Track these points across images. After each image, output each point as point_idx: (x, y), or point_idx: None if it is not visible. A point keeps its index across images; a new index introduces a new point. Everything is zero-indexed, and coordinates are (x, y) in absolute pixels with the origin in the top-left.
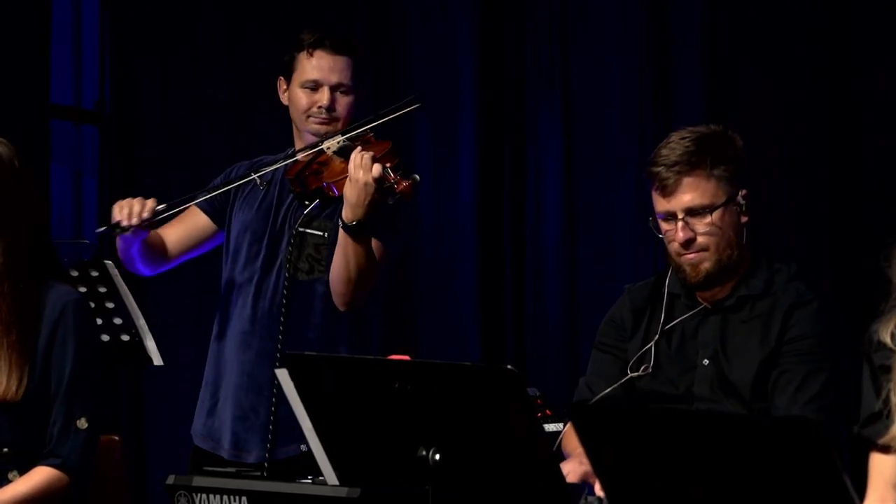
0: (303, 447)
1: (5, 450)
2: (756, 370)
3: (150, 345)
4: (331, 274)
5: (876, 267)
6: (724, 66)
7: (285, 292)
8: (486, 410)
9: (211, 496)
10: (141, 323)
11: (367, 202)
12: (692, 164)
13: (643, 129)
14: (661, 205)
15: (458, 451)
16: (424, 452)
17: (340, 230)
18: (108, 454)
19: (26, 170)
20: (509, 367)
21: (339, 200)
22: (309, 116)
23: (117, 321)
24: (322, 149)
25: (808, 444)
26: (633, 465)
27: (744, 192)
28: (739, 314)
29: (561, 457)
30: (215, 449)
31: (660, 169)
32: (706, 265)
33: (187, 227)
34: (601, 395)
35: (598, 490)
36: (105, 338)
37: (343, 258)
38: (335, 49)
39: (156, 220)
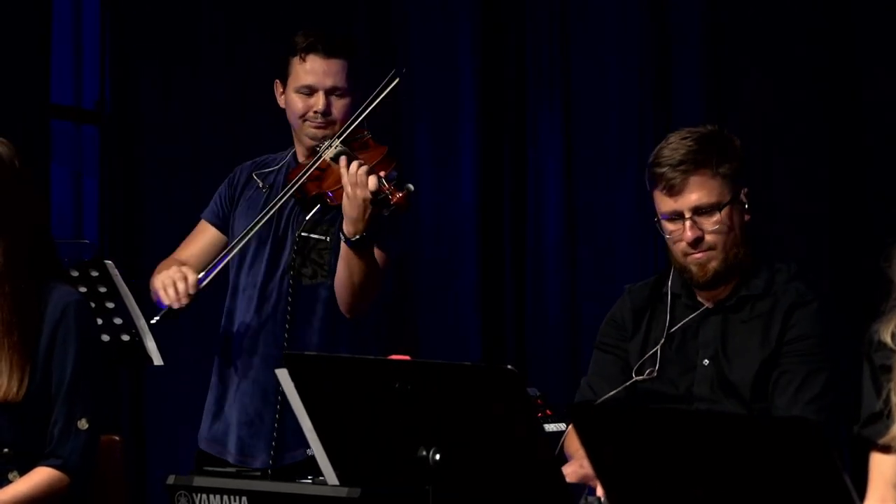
0: (308, 451)
1: (6, 450)
2: (756, 370)
3: (151, 345)
4: (335, 284)
5: (876, 267)
6: (724, 66)
7: (289, 297)
8: (486, 410)
9: (211, 496)
10: (141, 323)
11: (366, 216)
12: (698, 162)
13: (643, 129)
14: (666, 205)
15: (458, 451)
16: (424, 452)
17: (343, 244)
18: (109, 454)
19: (27, 170)
20: (509, 367)
21: (339, 207)
22: (305, 121)
23: (117, 321)
24: (320, 156)
25: (809, 444)
26: (634, 466)
27: (745, 190)
28: (740, 314)
29: (563, 458)
30: (221, 453)
31: (664, 169)
32: (714, 264)
33: (202, 246)
34: (605, 397)
35: (599, 491)
36: (105, 338)
37: (347, 270)
38: (328, 52)
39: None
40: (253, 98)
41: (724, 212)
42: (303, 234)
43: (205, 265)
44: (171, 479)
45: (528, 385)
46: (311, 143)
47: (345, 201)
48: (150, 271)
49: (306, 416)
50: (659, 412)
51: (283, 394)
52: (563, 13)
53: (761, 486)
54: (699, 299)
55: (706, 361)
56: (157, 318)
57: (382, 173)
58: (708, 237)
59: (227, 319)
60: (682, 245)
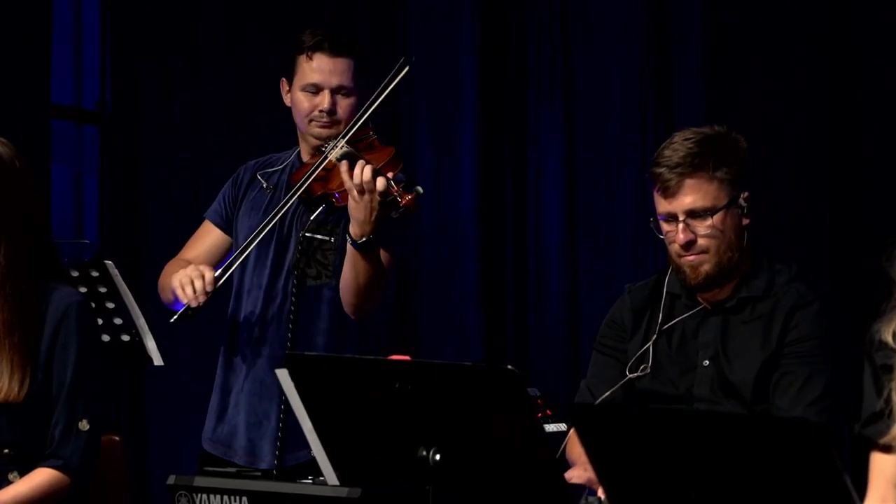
0: (312, 452)
1: (6, 451)
2: (757, 371)
3: (151, 345)
4: (341, 285)
5: (876, 267)
6: (724, 66)
7: (293, 298)
8: (486, 410)
9: (211, 496)
10: (141, 323)
11: (373, 218)
12: (694, 165)
13: (643, 129)
14: (662, 206)
15: (459, 451)
16: (424, 452)
17: (349, 245)
18: (109, 454)
19: (27, 170)
20: (509, 367)
21: (345, 208)
22: (311, 120)
23: (118, 321)
24: (326, 156)
25: (809, 444)
26: (634, 466)
27: (745, 194)
28: (740, 315)
29: (564, 462)
30: (226, 454)
31: (662, 170)
32: (706, 267)
33: (207, 246)
34: (602, 397)
35: (600, 491)
36: (105, 338)
37: (353, 272)
38: (335, 51)
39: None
40: (253, 98)
41: (718, 216)
42: (306, 234)
43: (211, 266)
44: (171, 480)
45: (529, 385)
46: (316, 142)
47: (351, 204)
48: (150, 271)
49: (306, 416)
50: (659, 412)
51: None
52: (563, 13)
53: (761, 487)
54: (699, 300)
55: (706, 362)
56: (176, 317)
57: (390, 174)
58: (700, 241)
59: (232, 321)
60: (676, 247)
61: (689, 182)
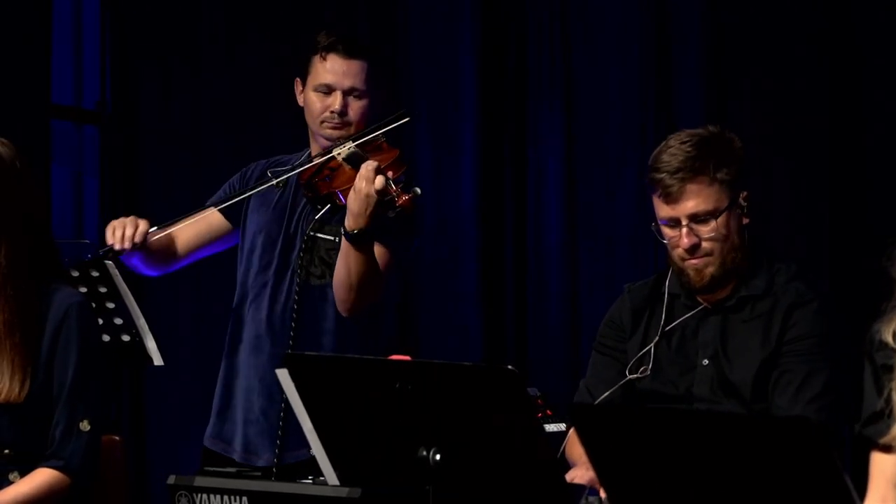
0: (311, 451)
1: (7, 451)
2: (756, 371)
3: (151, 345)
4: (334, 281)
5: (876, 267)
6: (724, 66)
7: (297, 297)
8: (486, 410)
9: (212, 496)
10: (141, 323)
11: (367, 212)
12: (695, 169)
13: (643, 129)
14: (664, 211)
15: (459, 451)
16: (425, 452)
17: (343, 238)
18: (109, 454)
19: (28, 170)
20: (509, 367)
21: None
22: (322, 121)
23: (118, 321)
24: (333, 155)
25: (809, 444)
26: (634, 465)
27: (744, 193)
28: (740, 314)
29: (564, 461)
30: (226, 451)
31: (662, 176)
32: (710, 270)
33: (199, 225)
34: (602, 398)
35: (601, 491)
36: (106, 338)
37: (345, 265)
38: (349, 53)
39: (149, 241)
40: (253, 98)
41: (721, 218)
42: (311, 233)
43: (196, 245)
44: (171, 479)
45: (529, 385)
46: (326, 143)
47: (350, 195)
48: None
49: (306, 416)
50: (659, 412)
51: None
52: (563, 13)
53: (761, 486)
54: (698, 299)
55: (706, 361)
56: (92, 256)
57: (391, 174)
58: (705, 244)
59: (236, 318)
60: (680, 251)
61: (690, 187)
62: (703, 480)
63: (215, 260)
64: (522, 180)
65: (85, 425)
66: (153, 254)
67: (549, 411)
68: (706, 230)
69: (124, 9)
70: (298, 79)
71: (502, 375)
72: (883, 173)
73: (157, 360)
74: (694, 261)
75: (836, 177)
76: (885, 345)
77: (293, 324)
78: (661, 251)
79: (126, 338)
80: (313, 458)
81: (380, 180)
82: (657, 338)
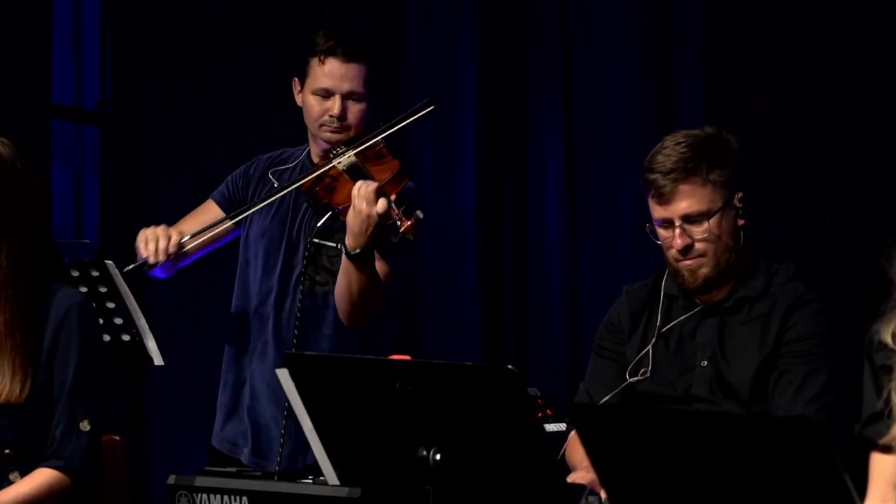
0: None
1: (7, 451)
2: (754, 372)
3: (151, 345)
4: (336, 292)
5: (876, 267)
6: (724, 66)
7: (300, 305)
8: (486, 410)
9: (212, 496)
10: (142, 323)
11: (368, 233)
12: (688, 170)
13: (643, 129)
14: (657, 212)
15: (459, 451)
16: (425, 452)
17: (343, 254)
18: (109, 454)
19: (28, 170)
20: (509, 367)
21: None
22: (321, 125)
23: (118, 321)
24: (333, 164)
25: (809, 444)
26: (635, 466)
27: (740, 194)
28: (738, 316)
29: (564, 464)
30: (233, 452)
31: (655, 176)
32: (704, 270)
33: (202, 221)
34: (602, 401)
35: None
36: (106, 338)
37: (346, 281)
38: (347, 56)
39: (182, 252)
40: (253, 98)
41: (714, 219)
42: (314, 240)
43: (203, 244)
44: (171, 479)
45: (529, 385)
46: (325, 145)
47: (350, 214)
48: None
49: (306, 416)
50: (659, 413)
51: None
52: (563, 13)
53: (762, 486)
54: (696, 300)
55: (704, 363)
56: (130, 267)
57: (393, 196)
58: (698, 245)
59: (240, 322)
60: (673, 252)
61: (683, 187)
62: (704, 481)
63: (215, 260)
64: (522, 180)
65: (85, 425)
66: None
67: (549, 411)
68: (699, 231)
69: (124, 9)
70: (296, 78)
71: (502, 375)
72: (883, 173)
73: (158, 360)
74: (687, 262)
75: (836, 177)
76: (884, 345)
77: (296, 332)
78: (660, 251)
79: (126, 338)
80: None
81: (382, 204)
82: (654, 339)
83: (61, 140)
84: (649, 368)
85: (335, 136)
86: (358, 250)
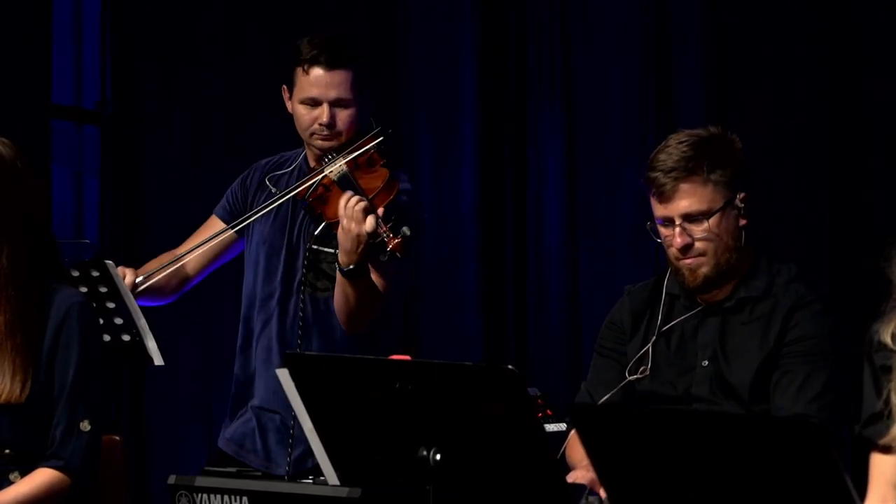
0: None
1: (7, 451)
2: (755, 372)
3: (151, 345)
4: (334, 302)
5: (876, 267)
6: (724, 66)
7: (301, 314)
8: (486, 410)
9: (212, 496)
10: (142, 323)
11: (359, 250)
12: (689, 169)
13: (643, 129)
14: (658, 210)
15: (459, 451)
16: (425, 452)
17: (337, 271)
18: (109, 454)
19: (28, 170)
20: (509, 366)
21: None
22: (312, 133)
23: (118, 321)
24: (326, 174)
25: (809, 444)
26: (635, 466)
27: (742, 195)
28: (739, 316)
29: (564, 462)
30: (239, 454)
31: (657, 174)
32: (704, 270)
33: (213, 249)
34: (602, 400)
35: (601, 491)
36: (106, 338)
37: (343, 295)
38: (331, 64)
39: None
40: (254, 98)
41: (714, 219)
42: (313, 246)
43: (208, 262)
44: (171, 479)
45: (529, 385)
46: (318, 152)
47: (340, 232)
48: None
49: (306, 416)
50: (659, 412)
51: None
52: (563, 13)
53: (762, 486)
54: (698, 300)
55: (705, 363)
56: None
57: (381, 211)
58: (698, 244)
59: (245, 328)
60: (673, 250)
61: (683, 186)
62: (704, 481)
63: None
64: (522, 180)
65: (85, 425)
66: (162, 287)
67: (549, 411)
68: (699, 230)
69: (124, 9)
70: (285, 87)
71: (502, 375)
72: (883, 173)
73: (158, 360)
74: (687, 260)
75: (836, 177)
76: (883, 346)
77: (300, 340)
78: (661, 251)
79: (126, 338)
80: None
81: (370, 223)
82: (654, 338)
83: (61, 140)
84: (648, 367)
85: (326, 144)
86: (351, 266)
